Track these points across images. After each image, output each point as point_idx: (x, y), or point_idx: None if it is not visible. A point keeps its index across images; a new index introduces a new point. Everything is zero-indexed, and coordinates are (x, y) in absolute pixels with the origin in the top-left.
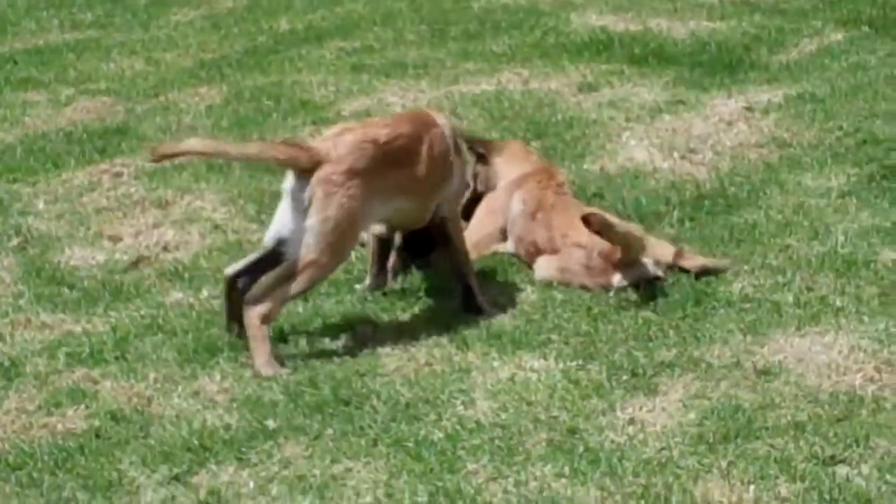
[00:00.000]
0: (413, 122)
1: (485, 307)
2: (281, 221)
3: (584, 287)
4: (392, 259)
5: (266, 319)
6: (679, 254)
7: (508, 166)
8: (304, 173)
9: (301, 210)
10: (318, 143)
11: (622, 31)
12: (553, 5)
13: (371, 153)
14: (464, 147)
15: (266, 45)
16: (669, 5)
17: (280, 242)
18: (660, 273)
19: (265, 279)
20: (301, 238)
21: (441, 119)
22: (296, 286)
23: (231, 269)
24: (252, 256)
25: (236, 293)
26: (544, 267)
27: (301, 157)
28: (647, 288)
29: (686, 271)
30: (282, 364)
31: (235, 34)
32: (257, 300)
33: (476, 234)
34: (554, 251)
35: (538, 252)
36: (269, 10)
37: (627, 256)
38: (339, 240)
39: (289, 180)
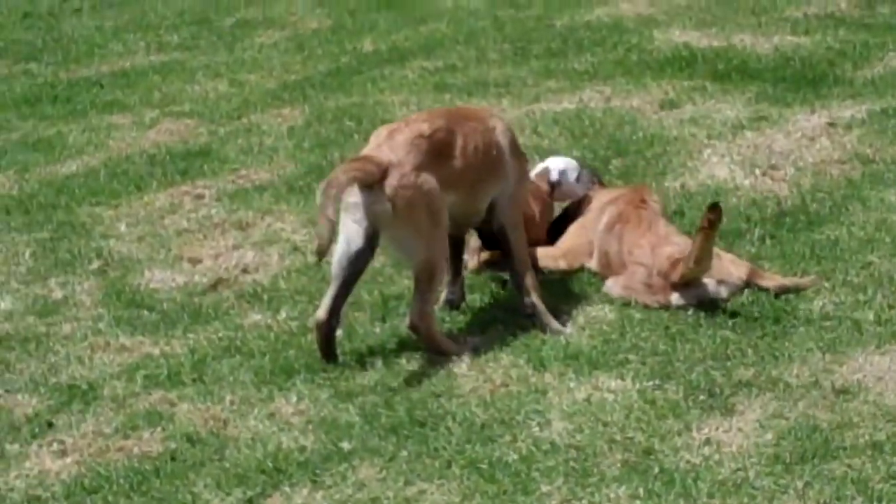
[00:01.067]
0: (447, 116)
1: (551, 325)
2: (350, 240)
3: (646, 305)
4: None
5: (429, 322)
6: (755, 272)
7: (607, 189)
8: (372, 185)
9: (377, 221)
10: (373, 151)
11: (705, 47)
12: (636, 22)
13: (424, 147)
14: (522, 152)
15: (349, 66)
16: (753, 20)
17: (353, 261)
18: (723, 293)
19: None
20: (403, 247)
21: (490, 116)
22: (429, 289)
23: (322, 314)
24: (332, 292)
25: (331, 332)
26: (611, 286)
27: (372, 170)
28: (726, 306)
29: (765, 290)
30: (465, 341)
31: (319, 55)
32: (414, 317)
33: (566, 244)
34: (622, 265)
35: (609, 265)
36: (353, 31)
37: (689, 277)
38: (437, 232)
39: (353, 195)
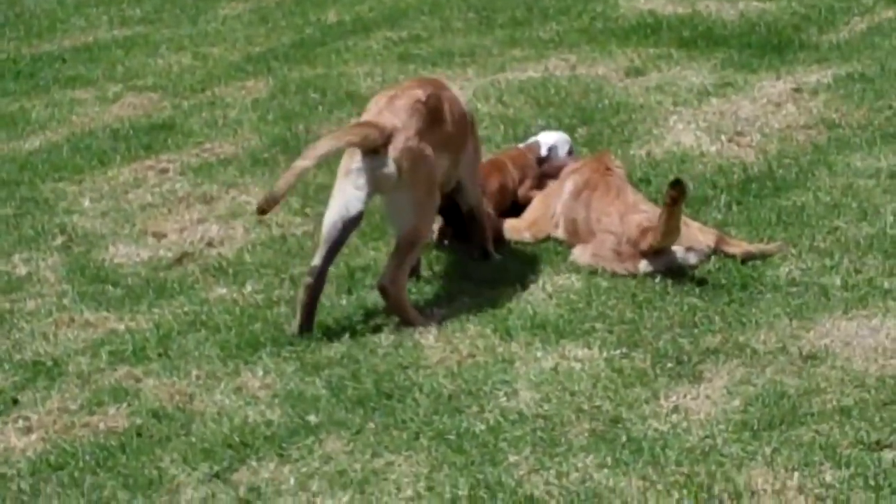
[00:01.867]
0: (432, 84)
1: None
2: (350, 204)
3: (614, 272)
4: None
5: (400, 288)
6: (722, 239)
7: (573, 160)
8: (376, 149)
9: (381, 185)
10: (374, 116)
11: (670, 14)
12: None
13: (423, 112)
14: (475, 123)
15: (313, 38)
16: None
17: (348, 226)
18: (691, 260)
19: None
20: (398, 212)
21: (453, 87)
22: (408, 256)
23: (312, 278)
24: (323, 254)
25: (318, 295)
26: (579, 254)
27: (374, 134)
28: (693, 273)
29: (731, 256)
30: (432, 312)
31: (283, 27)
32: (386, 280)
33: (532, 214)
34: (590, 233)
35: (576, 232)
36: (316, 3)
37: (658, 247)
38: (432, 202)
39: (356, 160)
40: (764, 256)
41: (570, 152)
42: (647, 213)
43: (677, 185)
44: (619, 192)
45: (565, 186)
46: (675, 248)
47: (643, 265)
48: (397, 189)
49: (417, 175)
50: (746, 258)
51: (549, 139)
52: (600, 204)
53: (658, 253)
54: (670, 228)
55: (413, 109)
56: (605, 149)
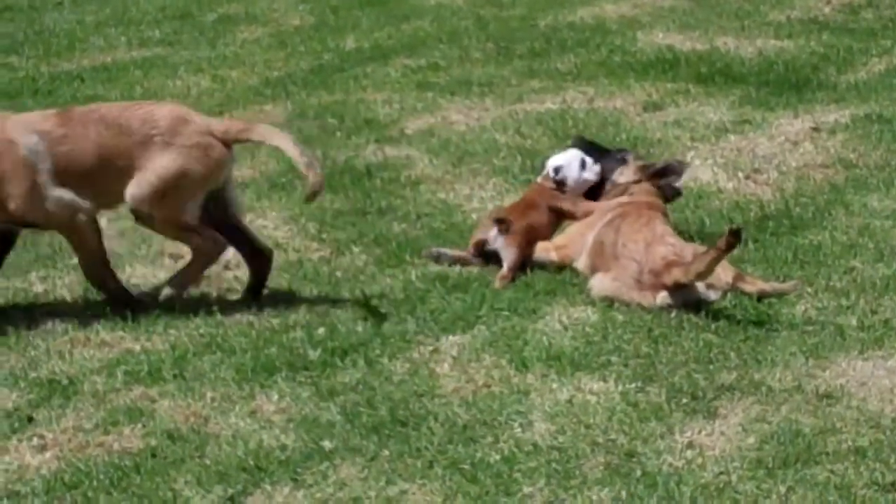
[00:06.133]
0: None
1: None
2: None
3: (630, 303)
4: None
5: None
6: (739, 276)
7: (642, 191)
8: None
9: None
10: None
11: (689, 49)
12: (619, 23)
13: None
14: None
15: (332, 64)
16: (737, 23)
17: None
18: (711, 297)
19: None
20: None
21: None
22: None
23: None
24: None
25: None
26: (599, 281)
27: None
28: (709, 309)
29: (747, 294)
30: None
31: (301, 52)
32: None
33: (564, 238)
34: (614, 257)
35: (602, 254)
36: (335, 29)
37: (688, 281)
38: None
39: None
40: (780, 295)
41: (582, 167)
42: (673, 245)
43: (737, 233)
44: (648, 221)
45: (605, 217)
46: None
47: (661, 298)
48: None
49: None
50: (762, 296)
51: (555, 161)
52: (629, 230)
53: (679, 287)
54: (707, 270)
55: None
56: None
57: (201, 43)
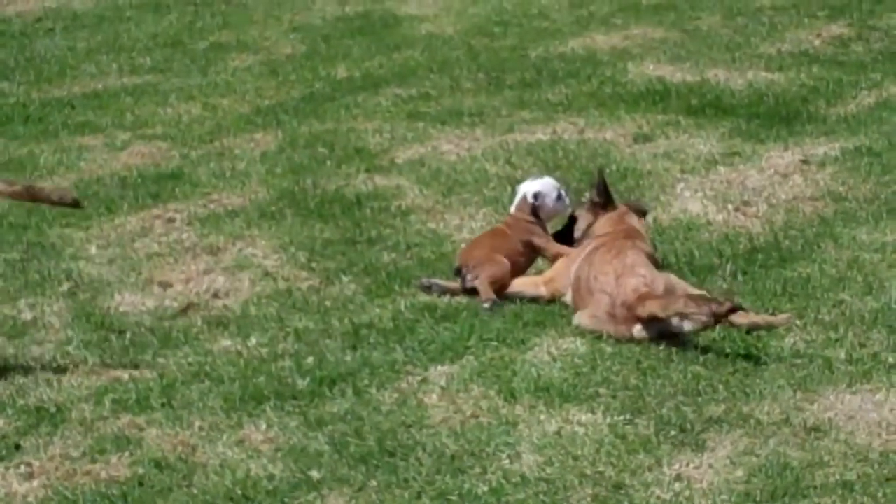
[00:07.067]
0: None
1: None
2: None
3: (614, 336)
4: None
5: None
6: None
7: (605, 223)
8: None
9: None
10: None
11: (679, 81)
12: (610, 55)
13: None
14: None
15: (323, 92)
16: (727, 56)
17: None
18: (686, 328)
19: None
20: None
21: None
22: None
23: None
24: None
25: None
26: (579, 318)
27: None
28: (698, 342)
29: (735, 327)
30: None
31: (293, 81)
32: None
33: (551, 272)
34: (588, 291)
35: (579, 290)
36: (326, 58)
37: (660, 316)
38: None
39: None
40: (770, 328)
41: (559, 197)
42: (643, 276)
43: (737, 307)
44: (619, 252)
45: (584, 251)
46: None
47: (636, 330)
48: None
49: None
50: (752, 329)
51: (532, 187)
52: (600, 262)
53: (654, 320)
54: (686, 313)
55: None
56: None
57: (192, 71)
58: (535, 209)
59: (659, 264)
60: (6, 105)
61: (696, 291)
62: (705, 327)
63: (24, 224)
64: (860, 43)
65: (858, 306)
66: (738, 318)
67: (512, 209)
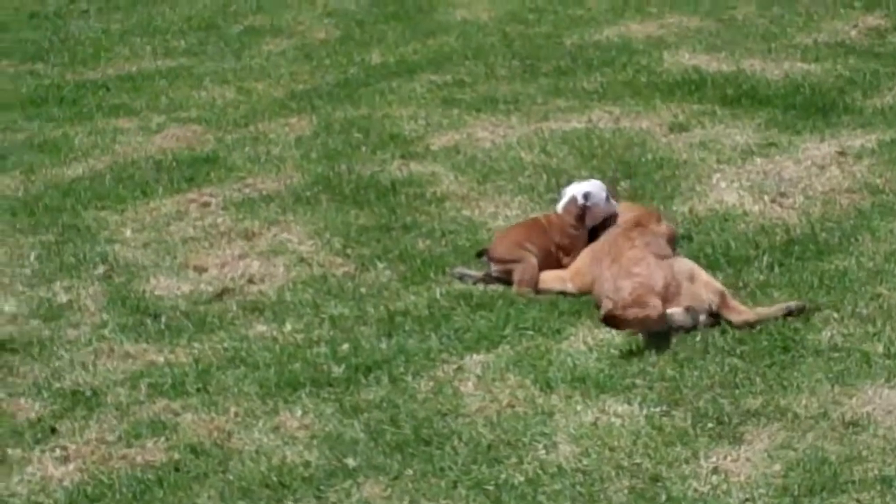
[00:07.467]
0: None
1: None
2: None
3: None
4: None
5: None
6: (725, 302)
7: (627, 209)
8: None
9: None
10: None
11: (715, 71)
12: (646, 43)
13: None
14: None
15: (357, 78)
16: (763, 46)
17: None
18: (690, 322)
19: None
20: None
21: None
22: None
23: None
24: None
25: None
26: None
27: None
28: (734, 333)
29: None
30: None
31: (327, 66)
32: None
33: (578, 264)
34: (599, 295)
35: (593, 288)
36: (361, 43)
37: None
38: None
39: None
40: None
41: (607, 199)
42: (639, 276)
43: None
44: (617, 253)
45: (606, 241)
46: (672, 310)
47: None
48: None
49: None
50: (743, 327)
51: (581, 188)
52: (606, 265)
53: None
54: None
55: None
56: (653, 206)
57: (227, 54)
58: (584, 211)
59: (676, 239)
60: (41, 87)
61: (704, 277)
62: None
63: (59, 207)
64: None
65: None
66: (733, 315)
67: (558, 208)
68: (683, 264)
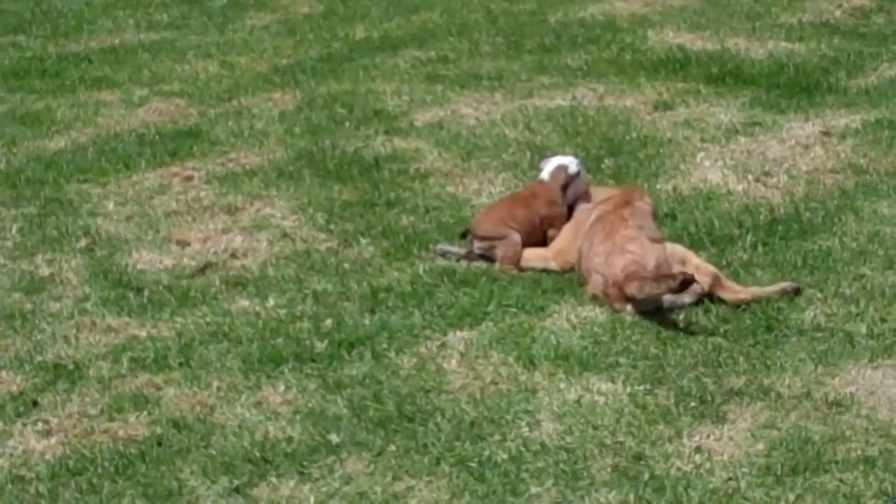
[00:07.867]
0: None
1: None
2: None
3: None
4: None
5: None
6: (717, 282)
7: (603, 188)
8: None
9: None
10: None
11: (699, 49)
12: (630, 21)
13: None
14: None
15: (341, 53)
16: (748, 25)
17: None
18: (679, 302)
19: None
20: None
21: None
22: None
23: None
24: None
25: None
26: (587, 290)
27: None
28: (718, 312)
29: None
30: None
31: (311, 40)
32: None
33: (559, 242)
34: (588, 270)
35: (580, 265)
36: (344, 18)
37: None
38: None
39: None
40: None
41: (578, 174)
42: (632, 253)
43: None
44: (612, 229)
45: (592, 216)
46: None
47: (629, 308)
48: None
49: None
50: (738, 304)
51: (563, 160)
52: (597, 240)
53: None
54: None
55: None
56: (636, 183)
57: (209, 28)
58: (570, 181)
59: (657, 215)
60: (23, 59)
61: (696, 260)
62: (701, 298)
63: (41, 179)
64: (881, 14)
65: (879, 280)
66: (726, 293)
67: (544, 176)
68: (676, 248)
